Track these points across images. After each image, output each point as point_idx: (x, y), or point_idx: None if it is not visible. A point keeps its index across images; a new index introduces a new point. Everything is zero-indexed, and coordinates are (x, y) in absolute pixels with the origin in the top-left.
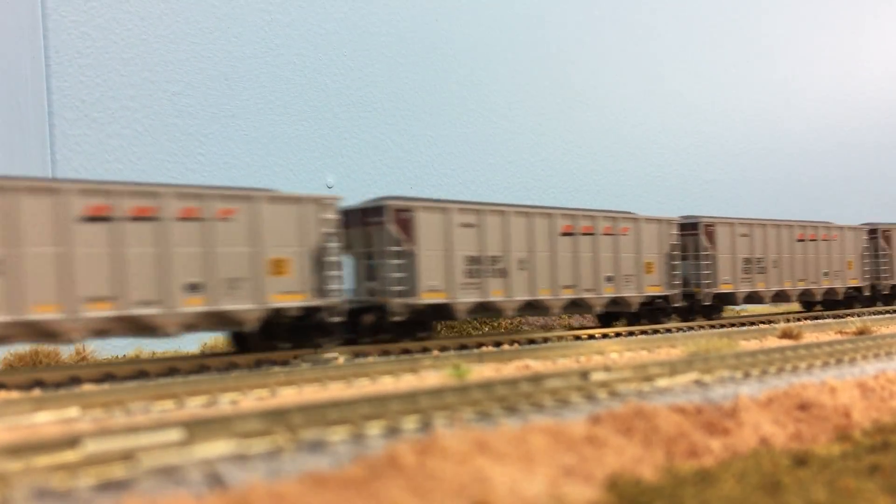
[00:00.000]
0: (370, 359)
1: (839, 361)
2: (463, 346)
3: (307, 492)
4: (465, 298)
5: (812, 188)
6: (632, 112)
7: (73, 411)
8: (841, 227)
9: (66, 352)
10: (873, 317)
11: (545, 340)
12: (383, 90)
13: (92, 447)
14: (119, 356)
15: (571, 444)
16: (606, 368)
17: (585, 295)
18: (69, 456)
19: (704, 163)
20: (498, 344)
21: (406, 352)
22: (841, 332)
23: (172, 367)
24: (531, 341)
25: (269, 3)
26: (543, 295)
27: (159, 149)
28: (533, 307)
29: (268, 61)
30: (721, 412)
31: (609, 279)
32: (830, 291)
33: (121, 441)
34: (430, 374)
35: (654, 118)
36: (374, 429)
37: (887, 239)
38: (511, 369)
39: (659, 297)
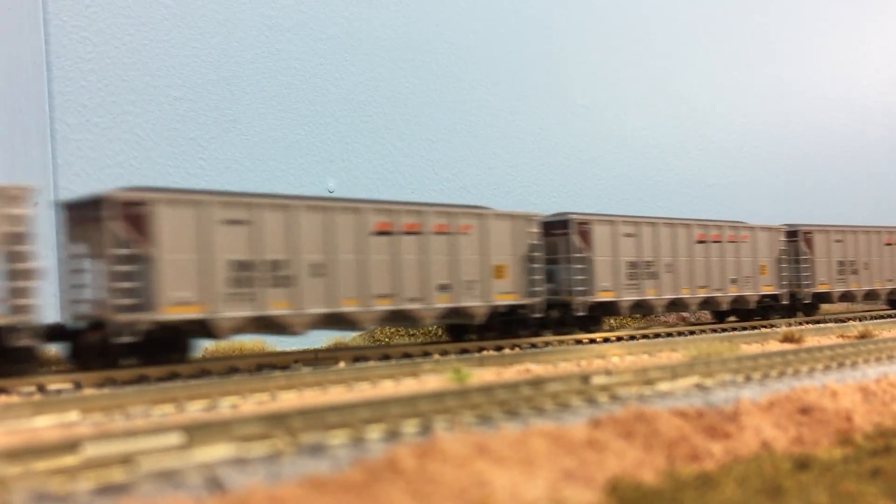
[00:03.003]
0: (371, 363)
1: (841, 365)
2: (464, 350)
3: (307, 495)
4: (232, 312)
5: (816, 191)
6: (633, 116)
7: (73, 415)
8: (752, 228)
9: None
10: (875, 321)
11: (546, 344)
12: (385, 94)
13: (91, 451)
14: None
15: (572, 448)
16: (607, 372)
17: (410, 306)
18: (68, 460)
19: (707, 166)
20: (499, 348)
21: (407, 356)
22: (842, 336)
23: (173, 372)
24: (532, 345)
25: (270, 8)
26: (349, 307)
27: (161, 153)
28: (337, 321)
29: (269, 66)
30: (722, 416)
31: (443, 287)
32: (739, 300)
33: (120, 445)
34: (431, 378)
35: (655, 122)
36: (374, 432)
37: (808, 241)
38: (512, 373)
39: (520, 306)
